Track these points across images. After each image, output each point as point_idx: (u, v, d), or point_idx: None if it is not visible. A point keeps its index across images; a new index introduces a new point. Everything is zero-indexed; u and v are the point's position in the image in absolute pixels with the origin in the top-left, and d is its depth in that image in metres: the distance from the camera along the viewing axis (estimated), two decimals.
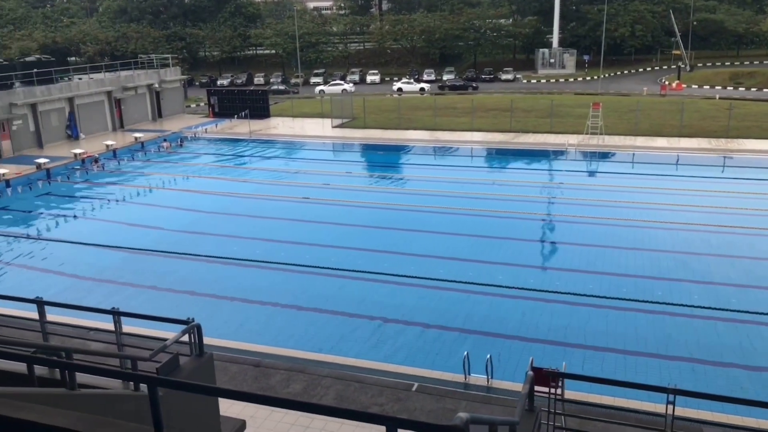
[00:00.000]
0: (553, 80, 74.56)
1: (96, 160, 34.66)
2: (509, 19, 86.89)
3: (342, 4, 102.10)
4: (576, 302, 16.70)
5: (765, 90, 61.32)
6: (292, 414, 10.70)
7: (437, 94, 66.51)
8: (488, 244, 21.70)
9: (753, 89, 62.10)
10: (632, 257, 19.89)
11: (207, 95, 51.18)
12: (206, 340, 8.22)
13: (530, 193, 27.54)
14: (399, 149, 38.15)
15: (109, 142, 37.79)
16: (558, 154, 35.10)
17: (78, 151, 35.47)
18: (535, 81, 74.82)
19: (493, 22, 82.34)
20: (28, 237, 24.50)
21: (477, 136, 39.46)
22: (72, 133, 40.73)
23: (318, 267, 19.55)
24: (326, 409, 3.50)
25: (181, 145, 40.01)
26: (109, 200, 28.87)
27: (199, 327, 7.94)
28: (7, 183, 30.15)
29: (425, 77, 76.71)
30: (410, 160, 36.39)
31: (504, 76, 75.92)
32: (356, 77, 77.93)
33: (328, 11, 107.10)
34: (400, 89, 69.09)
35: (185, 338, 7.84)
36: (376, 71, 79.76)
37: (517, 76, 76.83)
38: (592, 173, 32.86)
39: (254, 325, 16.22)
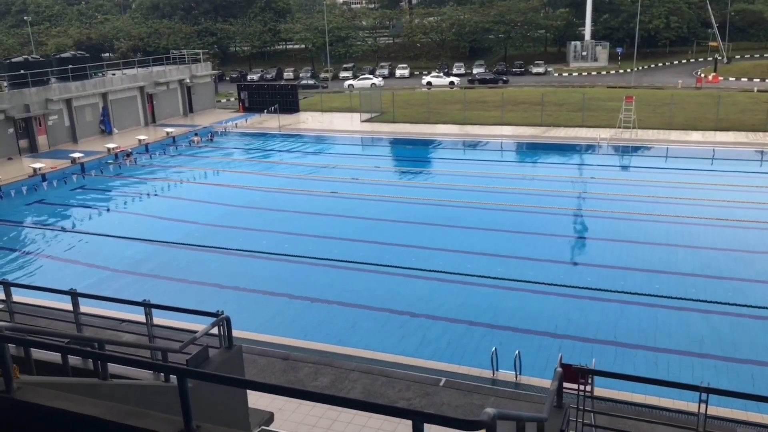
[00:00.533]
0: (585, 73, 73.45)
1: (128, 155, 35.22)
2: (540, 11, 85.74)
3: None
4: (607, 299, 16.49)
5: None
6: (320, 407, 10.77)
7: (467, 88, 66.04)
8: (518, 239, 21.53)
9: None
10: (666, 253, 19.54)
11: (237, 90, 51.60)
12: (235, 333, 8.31)
13: (561, 188, 27.21)
14: (428, 143, 38.03)
15: (142, 137, 38.37)
16: (590, 148, 34.64)
17: (111, 145, 36.09)
18: (566, 74, 73.79)
19: (524, 14, 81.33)
20: (63, 230, 25.02)
21: (507, 130, 39.13)
22: (105, 128, 41.44)
23: (346, 261, 19.61)
24: (353, 402, 3.50)
25: (211, 140, 40.45)
26: (141, 194, 29.32)
27: (228, 320, 8.02)
28: (44, 177, 30.81)
29: (455, 71, 76.19)
30: (439, 155, 36.23)
31: (535, 69, 74.99)
32: (385, 71, 77.75)
33: (358, 5, 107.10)
34: (429, 83, 68.76)
35: (215, 331, 7.93)
36: (405, 65, 79.49)
37: (549, 69, 75.83)
38: (624, 168, 32.33)
39: (283, 318, 16.34)
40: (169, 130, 40.64)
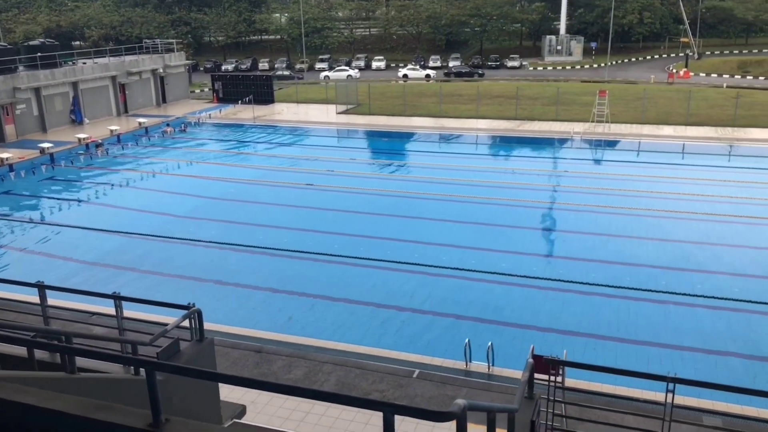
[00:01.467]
0: (560, 67, 74.04)
1: (99, 145, 34.65)
2: (516, 5, 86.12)
3: None
4: (578, 290, 16.69)
5: None
6: (293, 400, 10.74)
7: (443, 81, 66.19)
8: (491, 231, 21.66)
9: (761, 78, 61.54)
10: (636, 246, 19.83)
11: (211, 80, 51.03)
12: (207, 326, 8.25)
13: (534, 181, 27.45)
14: (403, 136, 38.05)
15: (113, 127, 37.77)
16: (563, 142, 34.97)
17: (82, 136, 35.46)
18: (541, 68, 74.33)
19: (500, 8, 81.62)
20: (30, 221, 24.57)
21: (482, 123, 39.30)
22: (76, 117, 40.71)
23: (320, 253, 19.55)
24: (326, 395, 3.49)
25: (184, 131, 39.97)
26: (112, 185, 28.87)
27: (199, 312, 7.95)
28: (11, 167, 30.18)
29: (431, 63, 76.28)
30: (415, 147, 36.27)
31: (510, 63, 75.39)
32: (362, 63, 77.54)
33: None
34: (405, 75, 68.77)
35: (186, 323, 7.85)
36: (381, 57, 79.37)
37: (524, 63, 76.27)
38: (597, 161, 32.69)
39: (256, 311, 16.25)
40: (142, 120, 40.04)
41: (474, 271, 18.01)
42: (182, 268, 19.03)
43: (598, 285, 16.85)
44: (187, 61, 53.64)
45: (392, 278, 18.01)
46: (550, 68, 74.07)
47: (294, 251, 19.87)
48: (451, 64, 74.59)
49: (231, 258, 19.97)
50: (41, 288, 9.23)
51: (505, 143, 35.93)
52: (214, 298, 16.87)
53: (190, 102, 50.26)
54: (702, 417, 9.37)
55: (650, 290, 16.53)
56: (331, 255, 19.40)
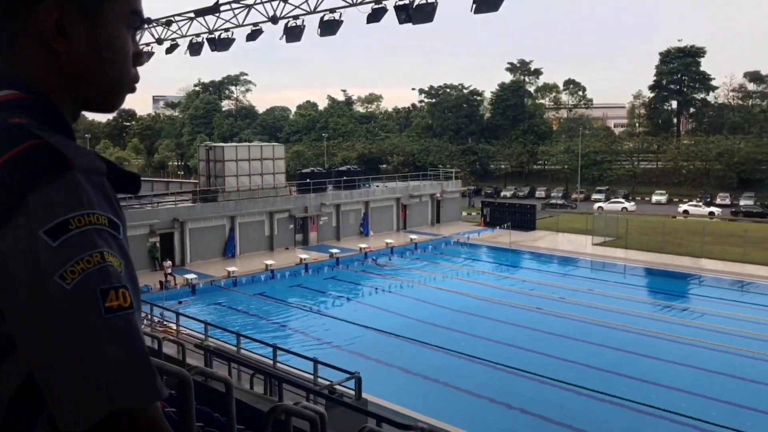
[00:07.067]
0: None
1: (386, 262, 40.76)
2: None
3: (639, 122, 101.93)
4: None
5: None
6: None
7: (730, 220, 62.38)
8: (727, 382, 20.97)
9: None
10: None
11: (481, 205, 56.30)
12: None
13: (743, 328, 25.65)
14: (651, 272, 37.82)
15: (390, 240, 44.39)
16: None
17: (363, 245, 42.54)
18: None
19: None
20: (310, 310, 30.75)
21: (747, 268, 37.08)
22: (364, 230, 48.63)
23: (540, 375, 21.14)
24: None
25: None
26: (375, 288, 34.47)
27: (359, 378, 11.24)
28: (306, 266, 37.80)
29: (718, 201, 72.21)
30: (655, 285, 35.96)
31: None
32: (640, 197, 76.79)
33: (623, 128, 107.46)
34: (686, 211, 66.37)
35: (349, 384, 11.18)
36: (663, 191, 77.64)
37: None
38: None
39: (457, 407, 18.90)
40: (413, 237, 46.26)
41: (689, 417, 17.72)
42: (409, 363, 22.61)
43: None
44: (462, 188, 59.96)
45: (594, 405, 19.04)
46: None
47: (512, 368, 21.85)
48: (741, 202, 69.72)
49: (453, 362, 22.92)
50: (275, 349, 13.49)
51: (761, 291, 33.31)
52: (430, 390, 20.05)
53: (461, 224, 55.71)
54: None
55: None
56: (550, 378, 20.83)
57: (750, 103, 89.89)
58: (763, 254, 39.79)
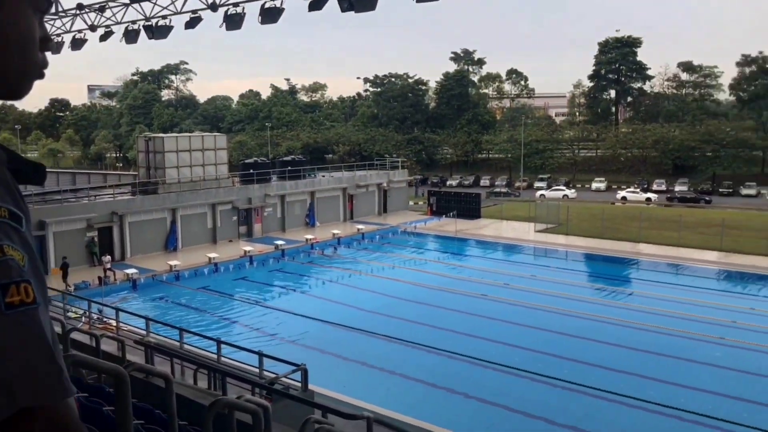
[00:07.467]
0: None
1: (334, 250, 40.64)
2: (756, 132, 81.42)
3: (579, 111, 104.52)
4: None
5: None
6: None
7: (665, 206, 64.68)
8: (664, 362, 21.75)
9: None
10: None
11: (428, 195, 56.68)
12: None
13: (711, 315, 26.72)
14: (593, 258, 38.92)
15: (336, 231, 44.21)
16: (762, 278, 33.05)
17: (309, 236, 42.25)
18: None
19: (735, 134, 78.00)
20: (256, 303, 30.34)
21: (682, 251, 38.52)
22: (310, 221, 48.26)
23: (484, 360, 21.51)
24: None
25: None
26: (322, 279, 34.31)
27: (306, 369, 11.14)
28: (251, 258, 37.27)
29: (655, 187, 74.74)
30: (597, 270, 37.07)
31: (745, 191, 70.80)
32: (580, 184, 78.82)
33: (563, 117, 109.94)
34: (624, 198, 68.43)
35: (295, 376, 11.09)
36: (602, 179, 79.85)
37: (762, 191, 71.11)
38: None
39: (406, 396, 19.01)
40: (360, 227, 46.21)
41: (632, 398, 18.32)
42: (356, 353, 22.60)
43: None
44: (408, 177, 60.19)
45: (537, 389, 19.48)
46: None
47: (458, 354, 22.05)
48: (677, 188, 72.37)
49: (400, 351, 23.03)
50: (219, 343, 13.25)
51: (694, 274, 34.70)
52: (377, 380, 20.10)
53: (408, 213, 55.94)
54: None
55: None
56: (493, 363, 21.17)
57: (684, 92, 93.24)
58: (697, 238, 41.48)
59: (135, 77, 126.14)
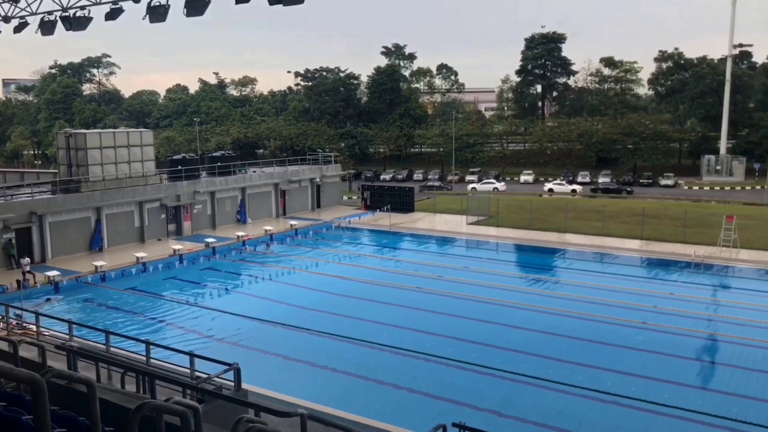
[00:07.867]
0: (718, 188, 71.54)
1: (268, 245, 40.21)
2: (673, 125, 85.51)
3: (507, 106, 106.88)
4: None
5: None
6: None
7: (589, 197, 67.05)
8: (590, 348, 22.56)
9: None
10: (738, 375, 19.98)
11: (361, 189, 56.71)
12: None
13: (633, 301, 27.88)
14: (523, 249, 39.93)
15: (269, 228, 43.64)
16: (679, 264, 34.74)
17: (240, 233, 41.53)
18: (697, 188, 72.31)
19: (653, 127, 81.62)
20: (187, 303, 29.58)
21: (606, 241, 40.02)
22: (241, 218, 47.45)
23: (418, 352, 21.74)
24: None
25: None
26: (254, 277, 33.80)
27: (238, 368, 10.95)
28: (181, 257, 36.32)
29: (579, 179, 77.33)
30: (528, 260, 38.08)
31: (663, 182, 74.25)
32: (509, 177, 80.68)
33: (493, 111, 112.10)
34: (551, 190, 70.49)
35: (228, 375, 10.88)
36: (530, 171, 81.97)
37: (679, 181, 74.76)
38: (710, 286, 31.94)
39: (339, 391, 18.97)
40: (293, 223, 45.77)
41: (557, 383, 18.99)
42: (290, 350, 22.38)
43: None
44: (341, 172, 60.03)
45: (468, 377, 19.86)
46: (707, 188, 71.85)
47: (392, 347, 22.22)
48: (600, 180, 75.12)
49: (334, 346, 22.96)
50: (148, 345, 12.84)
51: (616, 262, 36.18)
52: (311, 376, 19.99)
53: (342, 208, 55.86)
54: None
55: None
56: (427, 354, 21.47)
57: (606, 87, 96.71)
58: (620, 227, 43.21)
59: (53, 71, 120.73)
